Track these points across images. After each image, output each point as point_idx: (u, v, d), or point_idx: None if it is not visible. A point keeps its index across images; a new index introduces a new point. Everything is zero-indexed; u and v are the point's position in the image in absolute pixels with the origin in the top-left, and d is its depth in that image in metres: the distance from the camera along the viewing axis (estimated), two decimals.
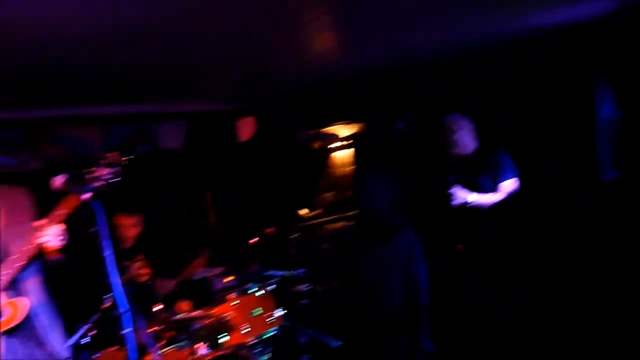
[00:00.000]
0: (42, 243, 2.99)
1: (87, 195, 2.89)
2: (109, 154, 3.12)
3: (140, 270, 5.18)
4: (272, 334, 4.99)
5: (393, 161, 5.77)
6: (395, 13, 4.02)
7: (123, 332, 2.84)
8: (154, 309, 4.89)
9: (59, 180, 3.02)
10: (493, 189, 4.81)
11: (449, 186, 4.74)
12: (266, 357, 4.96)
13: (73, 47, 3.77)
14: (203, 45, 4.24)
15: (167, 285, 5.52)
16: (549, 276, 5.07)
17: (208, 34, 4.00)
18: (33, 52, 3.76)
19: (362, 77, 6.20)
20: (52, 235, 2.97)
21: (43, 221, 3.02)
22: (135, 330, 2.92)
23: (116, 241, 5.07)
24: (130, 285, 5.00)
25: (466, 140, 4.97)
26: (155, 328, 4.75)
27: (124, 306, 2.81)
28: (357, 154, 6.66)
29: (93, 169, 3.07)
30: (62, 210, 3.01)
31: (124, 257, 5.00)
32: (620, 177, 5.21)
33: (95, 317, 4.36)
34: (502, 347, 4.91)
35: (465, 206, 4.70)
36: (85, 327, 4.30)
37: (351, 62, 5.54)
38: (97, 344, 4.43)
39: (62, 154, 6.33)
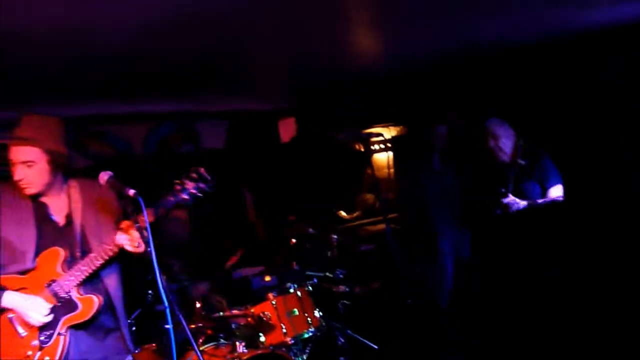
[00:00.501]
0: (120, 245, 3.02)
1: (132, 192, 2.90)
2: (199, 169, 3.12)
3: (183, 268, 5.23)
4: (310, 334, 4.97)
5: (439, 164, 5.75)
6: (440, 8, 4.00)
7: (164, 327, 2.85)
8: (195, 306, 4.92)
9: (104, 176, 3.05)
10: (541, 195, 4.71)
11: (495, 193, 4.65)
12: (304, 358, 4.95)
13: (118, 43, 3.82)
14: (248, 43, 4.25)
15: (202, 287, 5.54)
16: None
17: (252, 31, 4.02)
18: (82, 49, 3.81)
19: (404, 77, 6.17)
20: (130, 241, 3.00)
21: (126, 223, 3.04)
22: (176, 327, 2.93)
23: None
24: (172, 282, 5.04)
25: (509, 146, 4.89)
26: (195, 325, 4.78)
27: (165, 302, 2.82)
28: (400, 156, 6.62)
29: (182, 181, 3.11)
30: (148, 217, 3.04)
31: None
32: None
33: (136, 313, 4.43)
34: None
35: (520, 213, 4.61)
36: (128, 321, 4.36)
37: (394, 62, 5.53)
38: (137, 339, 4.49)
39: (105, 151, 6.42)
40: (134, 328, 4.39)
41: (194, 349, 2.97)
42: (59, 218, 3.17)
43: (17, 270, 3.05)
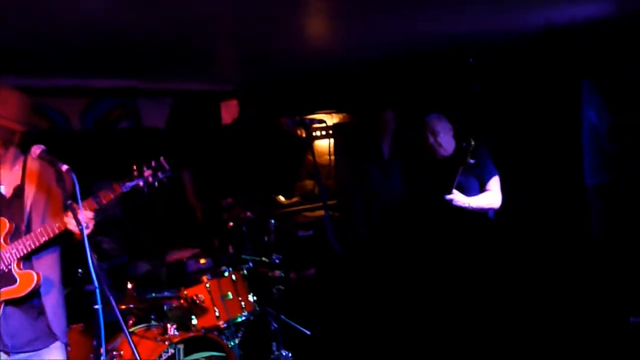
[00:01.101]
0: (66, 225, 2.98)
1: (65, 167, 2.84)
2: (160, 159, 3.14)
3: (111, 245, 5.14)
4: (243, 318, 4.96)
5: (388, 153, 5.82)
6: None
7: (93, 308, 2.80)
8: (127, 287, 4.85)
9: (35, 150, 2.98)
10: (479, 190, 4.80)
11: (437, 187, 4.70)
12: (236, 342, 4.94)
13: (66, 14, 3.71)
14: (197, 23, 4.19)
15: (144, 266, 5.47)
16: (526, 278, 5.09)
17: (204, 12, 3.95)
18: (29, 17, 3.68)
19: (349, 66, 6.18)
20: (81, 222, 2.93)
21: (77, 207, 2.96)
22: (106, 307, 2.88)
23: None
24: (103, 261, 4.94)
25: (447, 141, 4.96)
26: (126, 306, 4.72)
27: (96, 283, 2.77)
28: (343, 143, 6.64)
29: (140, 167, 3.13)
30: (101, 199, 3.07)
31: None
32: (606, 182, 5.25)
33: (65, 292, 4.32)
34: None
35: (466, 209, 4.67)
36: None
37: (340, 51, 5.52)
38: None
39: (41, 124, 6.25)
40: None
41: (122, 330, 2.91)
42: (7, 190, 3.11)
43: None
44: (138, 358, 2.90)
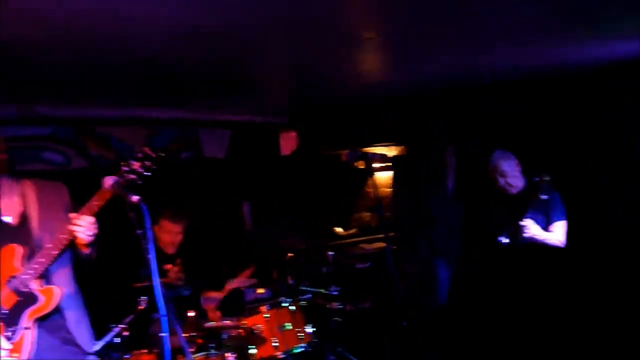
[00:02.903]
0: (73, 233, 3.03)
1: (136, 198, 2.91)
2: (144, 148, 3.16)
3: (177, 275, 5.21)
4: (301, 349, 4.97)
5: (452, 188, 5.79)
6: (447, 37, 4.04)
7: (160, 335, 2.85)
8: (187, 315, 4.91)
9: (108, 181, 3.07)
10: (544, 226, 4.66)
11: (499, 222, 4.63)
12: None
13: (129, 49, 3.85)
14: (257, 57, 4.29)
15: (213, 298, 5.51)
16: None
17: (262, 47, 4.05)
18: (88, 51, 3.84)
19: (407, 99, 6.21)
20: (82, 227, 3.01)
21: (75, 214, 3.06)
22: (171, 334, 2.93)
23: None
24: (167, 289, 5.02)
25: (516, 179, 4.85)
26: (187, 334, 4.77)
27: (163, 310, 2.82)
28: (401, 177, 6.63)
29: (127, 161, 3.13)
30: (94, 203, 3.07)
31: (163, 261, 5.03)
32: None
33: (129, 318, 4.41)
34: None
35: (533, 240, 4.59)
36: (119, 327, 4.35)
37: (399, 84, 5.56)
38: (128, 345, 4.48)
39: (105, 154, 6.43)
40: (126, 333, 4.37)
41: (187, 358, 2.95)
42: (12, 218, 3.19)
43: None
44: None
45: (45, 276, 3.12)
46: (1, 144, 3.15)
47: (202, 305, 5.36)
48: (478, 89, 5.95)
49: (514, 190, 4.84)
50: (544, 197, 4.52)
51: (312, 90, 5.80)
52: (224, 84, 5.24)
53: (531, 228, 4.50)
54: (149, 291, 4.46)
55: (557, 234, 4.67)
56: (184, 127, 6.98)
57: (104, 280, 3.44)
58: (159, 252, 5.06)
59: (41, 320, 3.08)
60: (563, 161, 5.61)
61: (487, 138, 5.77)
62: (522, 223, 4.46)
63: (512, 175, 4.81)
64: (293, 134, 7.69)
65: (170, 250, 5.30)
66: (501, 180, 4.82)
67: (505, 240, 4.59)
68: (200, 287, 5.42)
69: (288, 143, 7.72)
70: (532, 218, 4.52)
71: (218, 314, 5.42)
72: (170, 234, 5.27)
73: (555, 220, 4.68)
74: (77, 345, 3.21)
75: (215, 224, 6.95)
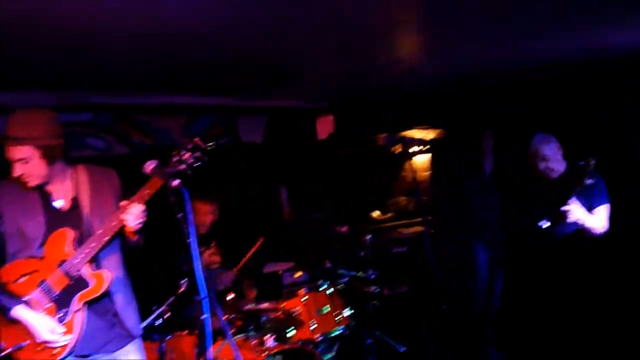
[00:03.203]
0: (123, 221, 3.10)
1: (176, 182, 2.96)
2: (194, 139, 3.19)
3: (212, 257, 5.28)
4: (338, 332, 5.01)
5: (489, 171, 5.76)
6: (490, 23, 4.01)
7: (200, 317, 2.90)
8: (227, 298, 5.00)
9: (149, 165, 3.12)
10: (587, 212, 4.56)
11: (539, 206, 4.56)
12: (331, 355, 4.99)
13: (165, 35, 3.89)
14: (295, 44, 4.30)
15: (229, 276, 5.58)
16: None
17: (301, 33, 4.06)
18: (129, 40, 3.89)
19: (445, 83, 6.16)
20: (132, 216, 3.08)
21: (126, 202, 3.13)
22: (212, 316, 2.98)
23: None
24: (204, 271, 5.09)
25: (558, 163, 4.74)
26: (226, 316, 4.84)
27: (204, 292, 2.87)
28: (439, 161, 6.61)
29: (178, 152, 3.17)
30: (146, 191, 3.13)
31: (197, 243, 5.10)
32: None
33: (170, 300, 4.50)
34: None
35: (578, 226, 4.50)
36: (161, 309, 4.43)
37: (436, 68, 5.52)
38: (169, 327, 4.57)
39: (145, 140, 6.52)
40: (167, 315, 4.45)
41: (227, 340, 3.00)
42: (64, 203, 3.26)
43: (27, 255, 3.15)
44: None
45: (95, 261, 3.20)
46: (59, 129, 3.21)
47: (218, 281, 5.43)
48: (518, 74, 5.87)
49: (554, 175, 4.74)
50: (590, 181, 4.41)
51: (353, 76, 5.79)
52: (267, 72, 5.26)
53: (575, 212, 4.42)
54: (190, 273, 4.58)
55: (599, 218, 4.58)
56: (221, 113, 7.03)
57: (147, 263, 3.51)
58: None
59: (90, 304, 3.17)
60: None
61: (526, 122, 5.69)
62: (565, 207, 4.37)
63: (555, 159, 4.69)
64: (330, 118, 7.69)
65: (202, 230, 5.37)
66: (542, 165, 4.70)
67: (546, 224, 4.50)
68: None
69: (325, 127, 7.73)
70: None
71: (253, 292, 5.49)
72: (200, 214, 5.35)
73: (599, 205, 4.59)
74: (125, 328, 3.29)
75: (252, 209, 7.01)
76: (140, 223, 3.12)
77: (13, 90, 5.03)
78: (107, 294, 3.22)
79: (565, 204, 4.36)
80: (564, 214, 4.37)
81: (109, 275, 3.16)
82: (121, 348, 3.29)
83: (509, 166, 5.78)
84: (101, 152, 6.17)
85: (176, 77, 5.28)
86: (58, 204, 3.23)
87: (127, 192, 3.28)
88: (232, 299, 5.05)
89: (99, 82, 5.22)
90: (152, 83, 5.54)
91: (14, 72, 4.49)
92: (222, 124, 7.11)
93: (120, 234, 3.22)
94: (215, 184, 5.71)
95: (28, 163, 3.07)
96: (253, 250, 5.60)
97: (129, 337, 3.33)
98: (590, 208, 4.58)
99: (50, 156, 3.12)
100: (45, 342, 3.03)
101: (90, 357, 3.21)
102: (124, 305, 3.31)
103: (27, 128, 3.06)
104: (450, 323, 5.62)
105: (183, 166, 3.16)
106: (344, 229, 5.66)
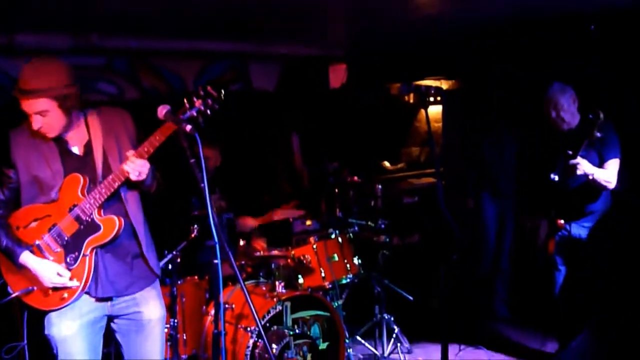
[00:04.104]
0: (125, 172, 3.08)
1: (189, 127, 2.94)
2: (207, 86, 3.16)
3: (218, 202, 5.31)
4: (348, 280, 5.05)
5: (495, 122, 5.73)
6: None
7: (206, 261, 2.92)
8: (239, 244, 5.04)
9: (162, 110, 3.10)
10: (598, 166, 4.52)
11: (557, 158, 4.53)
12: (340, 303, 5.04)
13: None
14: None
15: (248, 224, 5.61)
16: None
17: None
18: None
19: (459, 31, 6.07)
20: (133, 169, 3.06)
21: (132, 152, 3.10)
22: (223, 262, 3.00)
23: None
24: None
25: (571, 114, 4.67)
26: (237, 262, 4.88)
27: (216, 237, 2.88)
28: (452, 111, 6.55)
29: (190, 98, 3.14)
30: (157, 137, 3.10)
31: None
32: None
33: (182, 245, 4.54)
34: None
35: (587, 179, 4.48)
36: (172, 253, 4.48)
37: (454, 16, 5.44)
38: (180, 271, 4.62)
39: (158, 85, 6.50)
40: (178, 260, 4.50)
41: (239, 285, 3.03)
42: (79, 149, 3.24)
43: (43, 201, 3.16)
44: (254, 310, 3.01)
45: (110, 205, 3.19)
46: (73, 77, 3.13)
47: (237, 229, 5.45)
48: (534, 21, 5.76)
49: (565, 126, 4.69)
50: (599, 134, 4.39)
51: (369, 23, 5.71)
52: (284, 14, 5.19)
53: (584, 166, 4.40)
54: (201, 219, 4.62)
55: (609, 171, 4.55)
56: (235, 60, 6.98)
57: (159, 208, 3.51)
58: None
59: (109, 247, 3.18)
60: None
61: (542, 73, 5.60)
62: (574, 161, 4.36)
63: (567, 110, 4.64)
64: (342, 67, 7.62)
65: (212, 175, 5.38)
66: (554, 113, 4.65)
67: (556, 177, 4.49)
68: (239, 213, 5.52)
69: (337, 76, 7.66)
70: (585, 156, 4.40)
71: (262, 242, 5.53)
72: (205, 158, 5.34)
73: (609, 159, 4.56)
74: (146, 270, 3.30)
75: (260, 154, 7.02)
76: (140, 177, 3.09)
77: (32, 32, 5.01)
78: (126, 237, 3.23)
79: (574, 156, 4.35)
80: (574, 167, 4.35)
81: (117, 220, 3.16)
82: (142, 290, 3.31)
83: (525, 117, 5.73)
84: (112, 97, 6.16)
85: (192, 22, 5.22)
86: (74, 150, 3.23)
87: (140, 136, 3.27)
88: (243, 245, 5.09)
89: (114, 26, 5.18)
90: (168, 28, 5.49)
91: (32, 14, 4.45)
92: (235, 71, 7.07)
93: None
94: (219, 129, 5.70)
95: (46, 115, 3.06)
96: (289, 207, 5.59)
97: (149, 279, 3.35)
98: (601, 161, 4.56)
99: (67, 106, 3.09)
100: (53, 287, 3.08)
101: (113, 301, 3.24)
102: (147, 246, 3.31)
103: (41, 79, 3.01)
104: (460, 274, 5.68)
105: (194, 113, 3.12)
106: (355, 178, 5.64)
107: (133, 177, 3.07)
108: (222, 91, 3.13)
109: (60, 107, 3.07)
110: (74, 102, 3.13)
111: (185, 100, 3.14)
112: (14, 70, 5.48)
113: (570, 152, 4.34)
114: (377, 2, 4.79)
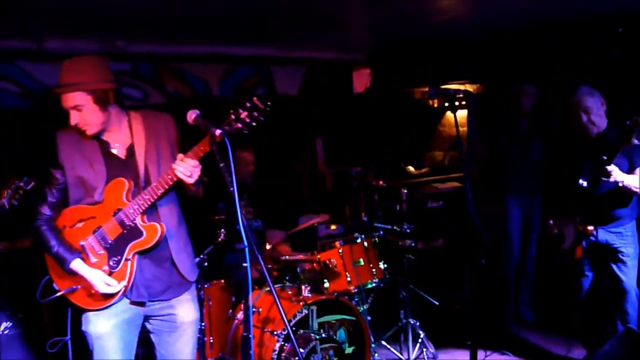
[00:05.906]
0: (176, 176, 3.09)
1: (219, 132, 2.94)
2: (253, 97, 3.13)
3: (246, 207, 5.32)
4: (373, 285, 5.04)
5: (526, 127, 5.70)
6: None
7: (240, 265, 2.92)
8: (265, 248, 5.05)
9: (191, 115, 3.10)
10: (627, 172, 4.41)
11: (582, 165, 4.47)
12: (366, 307, 5.03)
13: None
14: None
15: (277, 236, 5.61)
16: None
17: None
18: None
19: (483, 35, 6.05)
20: (185, 171, 3.05)
21: (182, 155, 3.09)
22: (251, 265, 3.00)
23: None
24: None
25: (600, 118, 4.56)
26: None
27: (246, 242, 2.88)
28: (475, 115, 6.48)
29: (235, 109, 3.09)
30: (201, 148, 3.07)
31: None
32: None
33: (209, 249, 4.56)
34: None
35: (617, 185, 4.38)
36: (200, 257, 4.50)
37: (475, 17, 5.42)
38: (207, 275, 4.64)
39: (182, 90, 6.54)
40: (205, 264, 4.52)
41: (268, 288, 3.03)
42: (121, 151, 3.27)
43: (88, 203, 3.19)
44: (283, 314, 3.01)
45: (150, 212, 3.21)
46: (110, 74, 3.20)
47: (267, 238, 5.46)
48: (561, 25, 5.73)
49: (594, 130, 4.60)
50: (637, 142, 4.27)
51: (392, 27, 5.71)
52: (307, 19, 5.20)
53: (614, 173, 4.29)
54: (228, 223, 4.63)
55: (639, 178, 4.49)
56: (258, 64, 7.01)
57: (188, 212, 3.52)
58: None
59: (147, 252, 3.20)
60: None
61: (570, 76, 5.57)
62: (609, 167, 4.26)
63: (597, 113, 4.55)
64: (366, 71, 7.62)
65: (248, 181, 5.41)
66: (584, 117, 4.55)
67: (585, 183, 4.42)
68: (270, 221, 5.53)
69: (361, 80, 7.67)
70: (617, 163, 4.31)
71: (286, 248, 5.53)
72: (241, 164, 5.37)
73: (639, 165, 4.50)
74: (181, 275, 3.32)
75: (287, 161, 7.04)
76: (192, 178, 3.09)
77: (59, 37, 5.07)
78: (164, 243, 3.25)
79: (608, 163, 4.26)
80: (606, 173, 4.27)
81: (159, 227, 3.17)
82: (177, 296, 3.33)
83: (551, 121, 5.69)
84: (137, 101, 6.21)
85: (216, 27, 5.25)
86: (116, 152, 3.25)
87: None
88: (269, 250, 5.11)
89: (139, 31, 5.23)
90: (192, 32, 5.52)
91: (60, 20, 4.50)
92: (259, 75, 7.10)
93: (179, 183, 3.18)
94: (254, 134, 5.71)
95: (82, 110, 3.09)
96: (314, 222, 5.57)
97: (185, 285, 3.37)
98: (631, 167, 4.48)
99: (102, 101, 3.12)
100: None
101: (146, 305, 3.27)
102: (178, 252, 3.32)
103: (76, 74, 3.06)
104: (486, 278, 5.64)
105: (239, 125, 3.07)
106: (381, 182, 5.63)
107: (185, 178, 3.06)
108: (269, 103, 3.10)
109: (96, 102, 3.09)
110: (109, 98, 3.16)
111: (230, 112, 3.06)
112: (42, 75, 5.58)
113: (605, 158, 4.25)
114: (400, 6, 4.79)
